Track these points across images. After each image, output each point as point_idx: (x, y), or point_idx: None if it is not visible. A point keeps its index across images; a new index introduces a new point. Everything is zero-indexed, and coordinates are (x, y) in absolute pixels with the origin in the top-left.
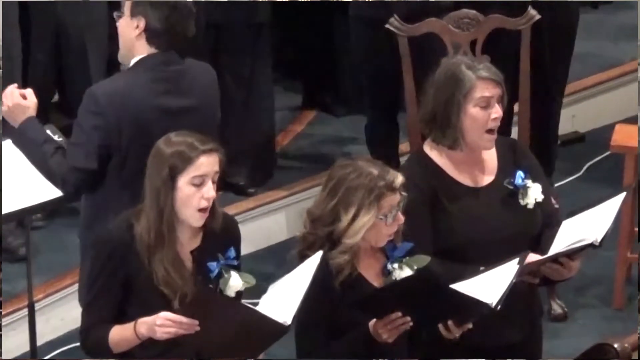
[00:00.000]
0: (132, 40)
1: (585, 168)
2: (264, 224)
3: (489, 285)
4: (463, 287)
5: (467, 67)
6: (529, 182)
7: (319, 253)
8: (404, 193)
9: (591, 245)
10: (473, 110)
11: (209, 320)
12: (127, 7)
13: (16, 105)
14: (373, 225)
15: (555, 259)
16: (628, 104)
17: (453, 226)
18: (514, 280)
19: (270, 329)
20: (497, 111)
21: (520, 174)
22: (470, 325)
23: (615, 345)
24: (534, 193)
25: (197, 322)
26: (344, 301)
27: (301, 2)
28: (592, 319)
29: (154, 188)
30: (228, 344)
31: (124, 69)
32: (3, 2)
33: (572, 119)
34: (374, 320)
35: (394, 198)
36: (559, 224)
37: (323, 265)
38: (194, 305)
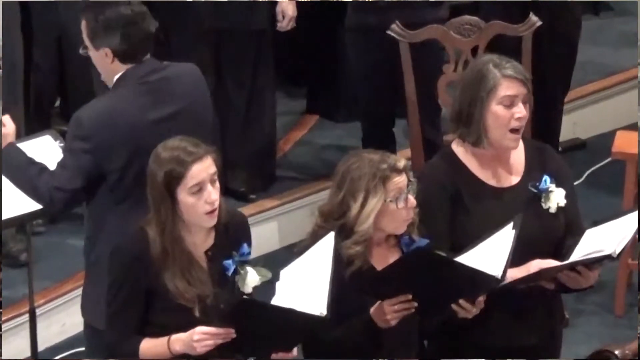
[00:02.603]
0: (109, 66)
1: (586, 175)
2: (264, 230)
3: (491, 256)
4: (465, 259)
5: (494, 65)
6: (552, 187)
7: (331, 234)
8: (413, 179)
9: (609, 256)
10: (496, 108)
11: (248, 326)
12: (88, 43)
13: None
14: (386, 210)
15: (573, 267)
16: (629, 111)
17: (474, 225)
18: (513, 247)
19: (308, 323)
20: (520, 111)
21: (546, 178)
22: (482, 300)
23: (616, 352)
24: (557, 197)
25: (233, 330)
26: (352, 291)
27: (302, 5)
28: (593, 326)
29: (154, 201)
30: (264, 343)
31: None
32: (3, 8)
33: (573, 125)
34: (376, 304)
35: (400, 180)
36: (582, 232)
37: (335, 254)
38: (232, 317)
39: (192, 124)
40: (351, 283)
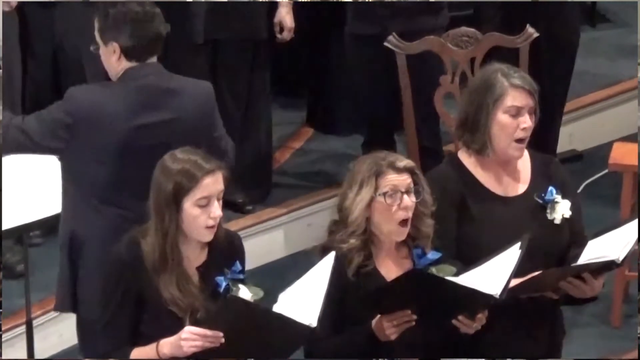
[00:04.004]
0: (115, 63)
1: (583, 186)
2: (261, 242)
3: (493, 274)
4: (468, 277)
5: (502, 74)
6: (558, 198)
7: (332, 254)
8: (421, 183)
9: (614, 262)
10: (502, 117)
11: (234, 329)
12: (98, 39)
13: None
14: (376, 205)
15: (577, 273)
16: (626, 122)
17: (478, 233)
18: (517, 267)
19: (296, 332)
20: (526, 121)
21: (552, 189)
22: (483, 316)
23: None
24: (562, 209)
25: (221, 334)
26: (356, 293)
27: (299, 15)
28: (590, 337)
29: (158, 209)
30: (253, 350)
31: None
32: (3, 19)
33: (570, 137)
34: (377, 317)
35: (397, 178)
36: (585, 244)
37: (335, 267)
38: (218, 316)
39: (178, 137)
40: (355, 283)
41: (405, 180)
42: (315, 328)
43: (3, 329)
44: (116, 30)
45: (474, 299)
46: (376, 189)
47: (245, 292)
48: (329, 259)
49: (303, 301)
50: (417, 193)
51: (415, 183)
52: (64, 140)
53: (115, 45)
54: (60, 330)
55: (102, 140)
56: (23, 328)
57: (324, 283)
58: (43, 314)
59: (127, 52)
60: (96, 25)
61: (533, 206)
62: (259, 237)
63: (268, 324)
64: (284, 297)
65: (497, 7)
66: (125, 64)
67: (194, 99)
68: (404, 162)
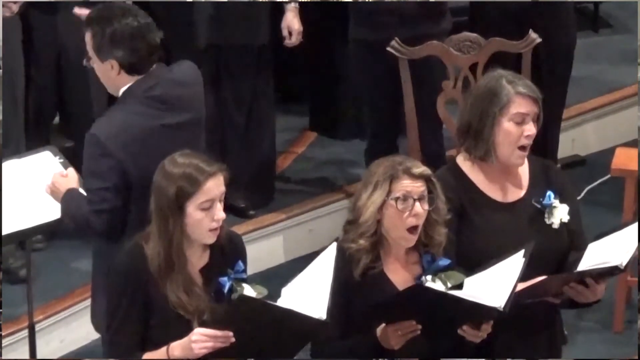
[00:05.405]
0: (114, 78)
1: (585, 191)
2: (264, 246)
3: (497, 283)
4: (472, 283)
5: (507, 82)
6: (556, 202)
7: (333, 244)
8: (437, 193)
9: (616, 267)
10: (507, 125)
11: (246, 328)
12: (93, 56)
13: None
14: (387, 209)
15: (580, 279)
16: (628, 128)
17: (477, 239)
18: (520, 276)
19: (308, 327)
20: (530, 129)
21: (550, 194)
22: (488, 326)
23: None
24: (560, 213)
25: (231, 334)
26: (362, 295)
27: (303, 21)
28: (592, 343)
29: (161, 213)
30: (264, 348)
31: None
32: (4, 24)
33: (573, 142)
34: (382, 326)
35: (411, 184)
36: (585, 248)
37: (344, 254)
38: (229, 316)
39: (199, 129)
40: (361, 284)
41: (419, 187)
42: (326, 321)
43: (5, 333)
44: (114, 47)
45: (478, 311)
46: (389, 192)
47: (249, 291)
48: (331, 250)
49: (308, 294)
50: (431, 201)
51: (430, 191)
52: (124, 183)
53: (113, 62)
54: (61, 335)
55: (141, 156)
56: (25, 332)
57: (329, 275)
58: (45, 318)
59: (126, 68)
60: (90, 41)
61: (532, 211)
62: (261, 242)
63: (280, 321)
64: (287, 291)
65: (493, 12)
66: (127, 79)
67: (195, 88)
68: (421, 169)
